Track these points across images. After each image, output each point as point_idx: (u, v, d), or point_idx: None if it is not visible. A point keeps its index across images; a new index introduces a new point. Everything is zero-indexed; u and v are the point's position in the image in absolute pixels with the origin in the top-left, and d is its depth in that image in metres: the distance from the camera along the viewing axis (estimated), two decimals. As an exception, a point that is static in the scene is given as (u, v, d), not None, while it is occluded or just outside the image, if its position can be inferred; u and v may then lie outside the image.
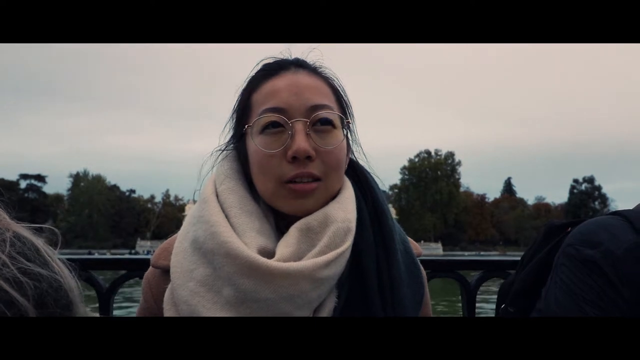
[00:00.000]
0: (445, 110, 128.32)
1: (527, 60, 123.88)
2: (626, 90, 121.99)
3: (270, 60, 0.96)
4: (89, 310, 0.82)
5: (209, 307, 0.80)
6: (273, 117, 0.87)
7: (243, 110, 0.94)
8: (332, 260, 0.82)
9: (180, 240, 0.90)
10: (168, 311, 0.86)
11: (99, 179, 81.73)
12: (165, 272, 0.91)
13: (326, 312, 0.84)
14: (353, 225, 0.87)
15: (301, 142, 0.85)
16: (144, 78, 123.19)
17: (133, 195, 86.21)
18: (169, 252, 0.91)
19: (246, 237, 0.84)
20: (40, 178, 77.61)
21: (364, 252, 0.87)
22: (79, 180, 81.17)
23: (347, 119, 0.94)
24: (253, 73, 0.96)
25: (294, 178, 0.86)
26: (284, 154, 0.86)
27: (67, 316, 0.73)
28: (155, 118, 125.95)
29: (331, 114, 0.89)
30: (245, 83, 0.96)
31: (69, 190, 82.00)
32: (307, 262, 0.80)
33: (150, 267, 0.97)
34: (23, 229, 0.78)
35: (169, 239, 0.96)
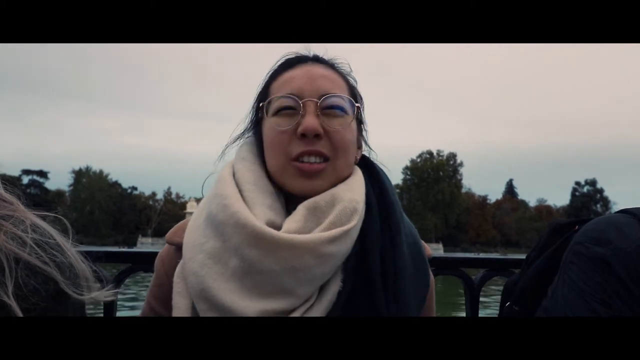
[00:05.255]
0: (448, 112, 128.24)
1: (530, 63, 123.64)
2: (630, 92, 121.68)
3: (292, 55, 1.01)
4: (103, 291, 0.84)
5: (216, 278, 0.82)
6: (286, 99, 0.92)
7: (261, 99, 0.99)
8: (337, 237, 0.83)
9: (195, 217, 0.94)
10: (177, 284, 0.88)
11: (100, 176, 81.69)
12: (179, 249, 0.93)
13: (330, 294, 0.85)
14: (360, 206, 0.89)
15: (310, 120, 0.89)
16: (147, 78, 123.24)
17: (134, 192, 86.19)
18: (183, 230, 0.95)
19: (256, 210, 0.86)
20: (42, 174, 77.68)
21: (369, 239, 0.89)
22: (81, 176, 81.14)
23: (356, 103, 0.98)
24: (275, 67, 1.01)
25: (302, 155, 0.90)
26: (294, 131, 0.90)
27: (59, 311, 0.74)
28: (158, 118, 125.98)
29: (341, 99, 0.94)
30: (266, 77, 1.01)
31: (70, 186, 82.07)
32: (312, 236, 0.82)
33: (165, 245, 1.01)
34: (38, 218, 0.80)
35: (185, 219, 0.99)
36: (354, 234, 0.87)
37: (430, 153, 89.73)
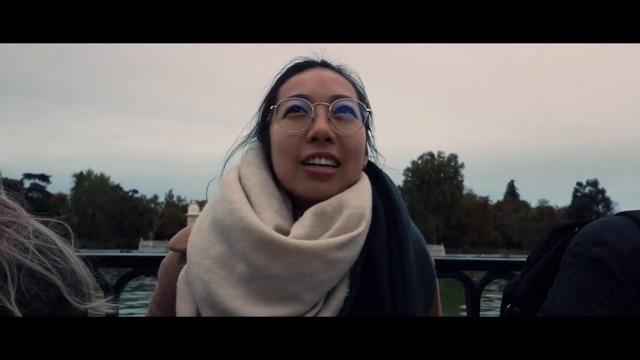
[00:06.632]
0: (449, 113, 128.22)
1: (532, 63, 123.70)
2: (631, 92, 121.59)
3: (301, 60, 1.02)
4: (103, 302, 0.84)
5: (222, 284, 0.82)
6: (296, 100, 0.92)
7: (269, 103, 0.99)
8: (344, 243, 0.83)
9: (199, 222, 0.93)
10: (181, 290, 0.88)
11: (102, 179, 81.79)
12: (182, 256, 0.92)
13: (337, 300, 0.85)
14: (367, 212, 0.89)
15: (322, 123, 0.89)
16: (147, 81, 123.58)
17: (136, 195, 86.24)
18: (186, 236, 0.93)
19: (264, 215, 0.86)
20: (44, 178, 77.68)
21: (376, 245, 0.89)
22: (82, 179, 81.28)
23: (367, 108, 0.98)
24: (283, 71, 1.01)
25: (312, 157, 0.89)
26: (304, 135, 0.90)
27: (60, 313, 0.74)
28: (159, 121, 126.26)
29: (352, 102, 0.94)
30: (274, 80, 1.01)
31: (72, 189, 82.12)
32: (321, 241, 0.82)
33: (169, 252, 1.00)
34: (40, 224, 0.81)
35: (188, 226, 0.98)
36: (361, 240, 0.87)
37: (431, 154, 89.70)
